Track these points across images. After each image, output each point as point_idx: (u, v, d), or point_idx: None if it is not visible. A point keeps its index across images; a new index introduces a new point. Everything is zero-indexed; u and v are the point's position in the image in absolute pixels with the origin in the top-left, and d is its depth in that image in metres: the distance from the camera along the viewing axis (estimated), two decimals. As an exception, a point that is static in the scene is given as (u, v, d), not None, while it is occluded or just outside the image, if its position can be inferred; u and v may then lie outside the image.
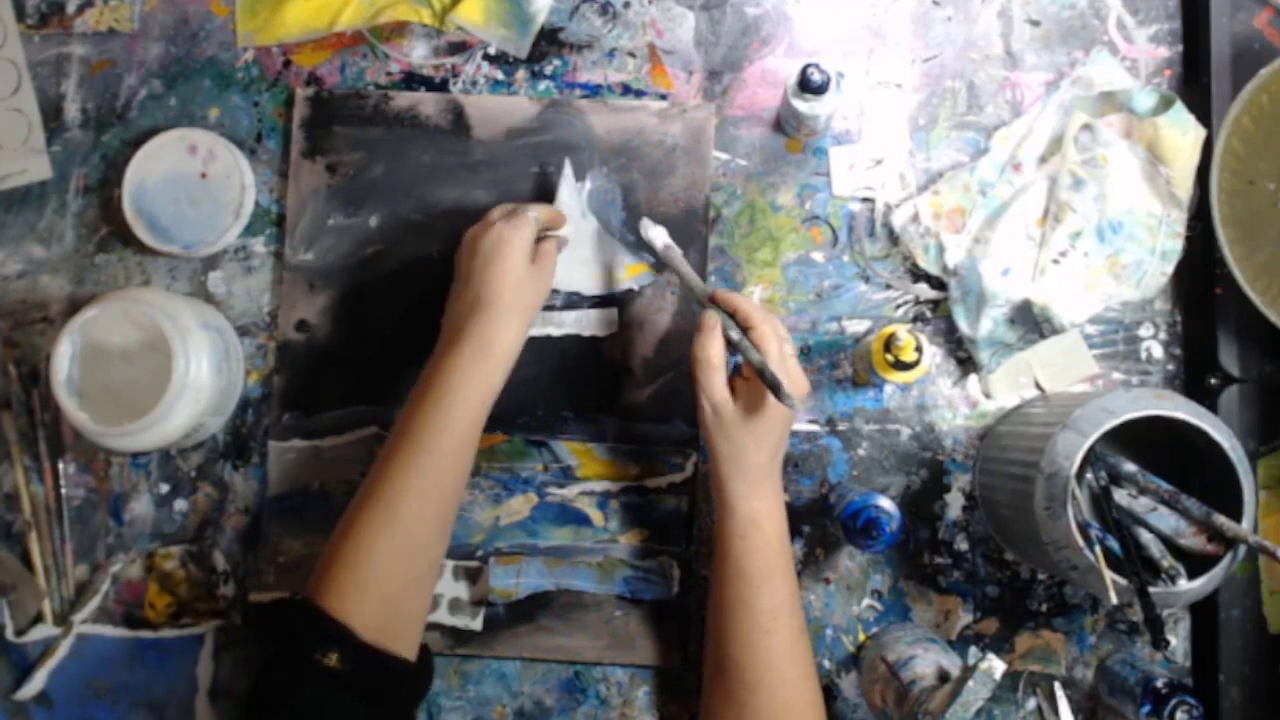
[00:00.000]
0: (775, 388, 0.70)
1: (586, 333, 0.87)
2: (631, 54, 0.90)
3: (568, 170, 0.88)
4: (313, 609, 0.70)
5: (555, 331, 0.87)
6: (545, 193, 0.88)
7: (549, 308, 0.87)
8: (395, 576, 0.72)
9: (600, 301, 0.87)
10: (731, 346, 0.74)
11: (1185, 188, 0.83)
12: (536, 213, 0.80)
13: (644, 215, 0.84)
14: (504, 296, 0.76)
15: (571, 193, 0.87)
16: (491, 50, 0.91)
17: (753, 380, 0.73)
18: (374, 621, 0.70)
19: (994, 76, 0.88)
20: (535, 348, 0.87)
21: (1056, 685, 0.84)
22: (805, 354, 0.87)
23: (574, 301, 0.87)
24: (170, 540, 0.89)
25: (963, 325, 0.85)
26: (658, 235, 0.82)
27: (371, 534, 0.72)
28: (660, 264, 0.85)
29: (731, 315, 0.75)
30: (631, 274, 0.87)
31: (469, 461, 0.76)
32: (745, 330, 0.74)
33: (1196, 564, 0.73)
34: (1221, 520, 0.72)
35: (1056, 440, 0.73)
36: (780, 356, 0.73)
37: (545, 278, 0.80)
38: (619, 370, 0.87)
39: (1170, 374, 0.86)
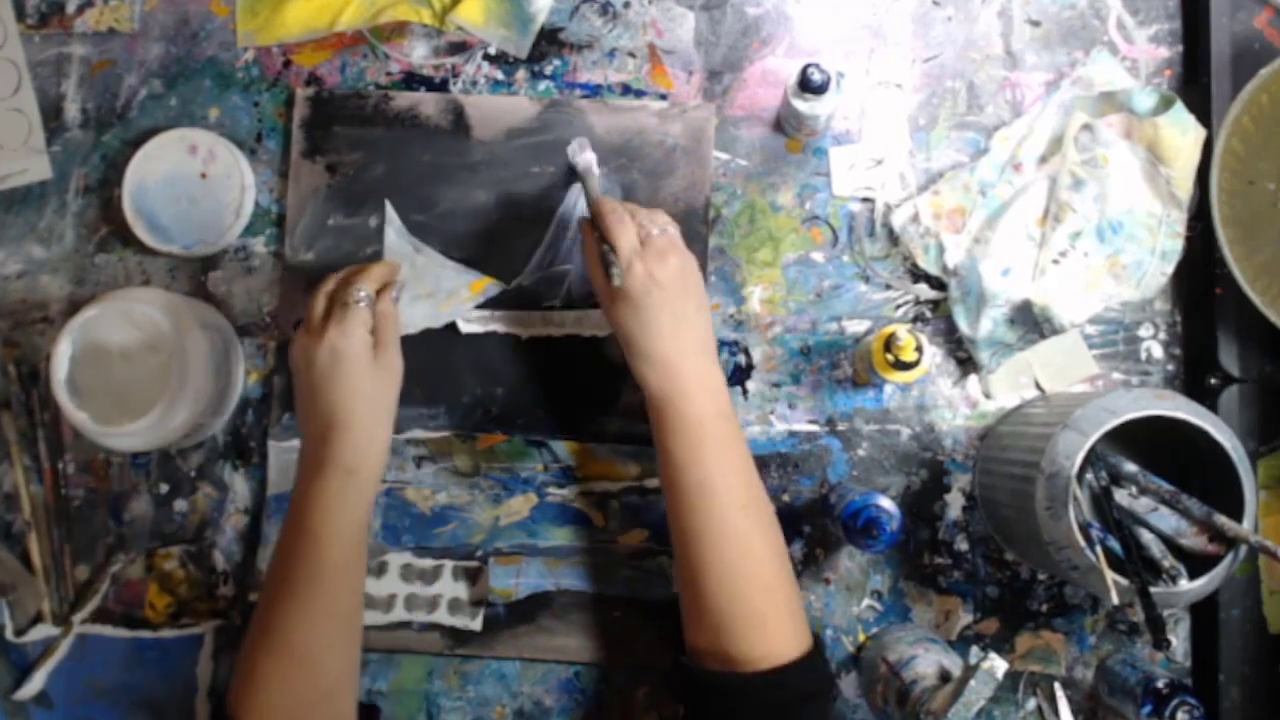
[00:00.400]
0: (606, 267, 0.75)
1: (586, 332, 0.87)
2: (631, 54, 0.90)
3: (586, 154, 0.85)
4: None
5: (555, 331, 0.87)
6: (569, 181, 0.88)
7: (549, 307, 0.87)
8: (307, 691, 0.71)
9: (595, 303, 0.87)
10: (599, 248, 0.77)
11: (1185, 188, 0.83)
12: (366, 292, 0.76)
13: (585, 151, 0.85)
14: (356, 414, 0.74)
15: (590, 169, 0.84)
16: (491, 50, 0.91)
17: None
18: None
19: (994, 76, 0.88)
20: (535, 347, 0.87)
21: (1056, 685, 0.84)
22: (805, 354, 0.87)
23: (574, 301, 0.87)
24: (170, 540, 0.88)
25: (963, 325, 0.85)
26: (585, 160, 0.84)
27: (264, 661, 0.71)
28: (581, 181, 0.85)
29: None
30: (476, 290, 0.87)
31: (359, 572, 0.74)
32: (599, 226, 0.77)
33: (1197, 564, 0.73)
34: (1222, 520, 0.72)
35: (1057, 440, 0.73)
36: (629, 238, 0.75)
37: (394, 363, 0.77)
38: (619, 370, 0.87)
39: (1170, 374, 0.86)
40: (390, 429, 0.77)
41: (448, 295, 0.87)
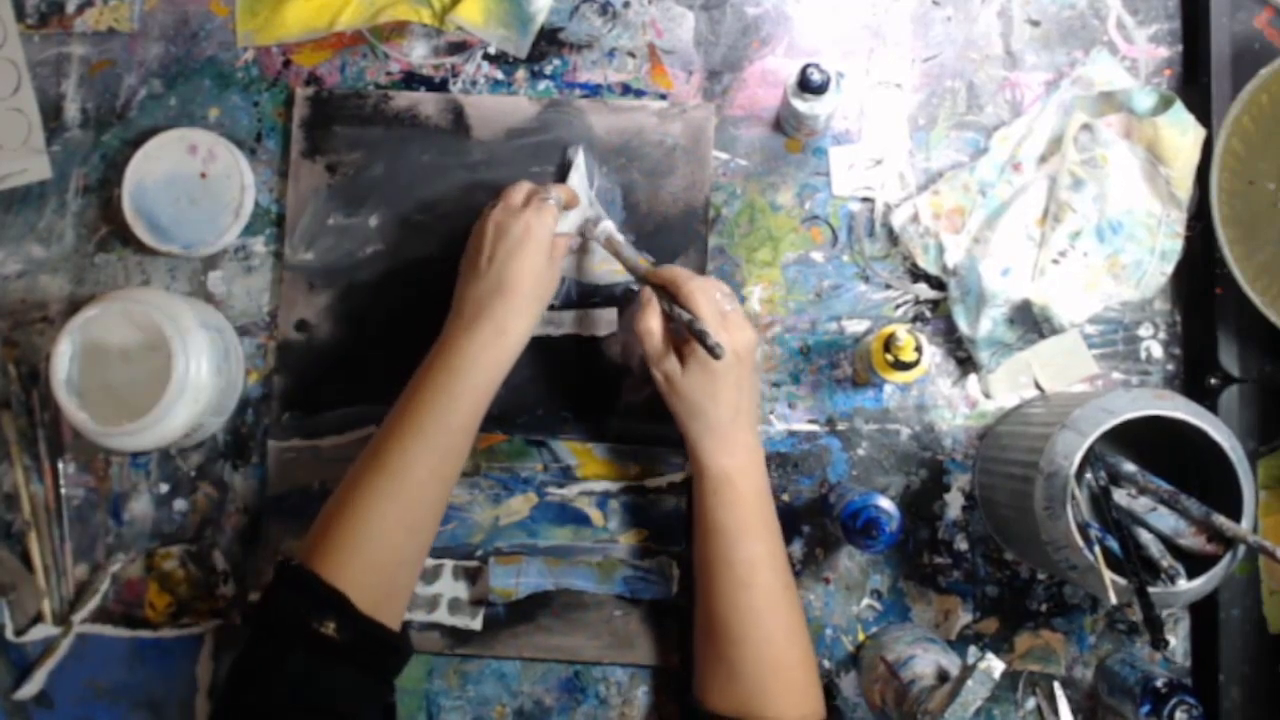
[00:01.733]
0: (702, 337, 0.72)
1: (586, 333, 0.87)
2: (631, 54, 0.90)
3: (579, 159, 0.88)
4: (309, 575, 0.70)
5: (555, 331, 0.87)
6: (563, 175, 0.88)
7: (549, 307, 0.87)
8: (393, 550, 0.73)
9: (600, 301, 0.87)
10: (669, 316, 0.76)
11: (1185, 188, 0.83)
12: (557, 195, 0.81)
13: (600, 222, 0.84)
14: (525, 285, 0.77)
15: (581, 181, 0.87)
16: (491, 50, 0.91)
17: (693, 340, 0.74)
18: (370, 594, 0.70)
19: (994, 76, 0.88)
20: (535, 347, 0.87)
21: (1056, 685, 0.84)
22: (805, 354, 0.87)
23: (573, 301, 0.87)
24: (170, 540, 0.89)
25: (962, 325, 0.85)
26: (605, 230, 0.83)
27: (374, 504, 0.72)
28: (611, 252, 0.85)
29: (665, 288, 0.77)
30: (623, 270, 0.87)
31: (469, 444, 0.77)
32: (677, 295, 0.76)
33: (1196, 564, 0.73)
34: (1221, 520, 0.72)
35: (1056, 440, 0.73)
36: (714, 311, 0.74)
37: (558, 274, 0.81)
38: (619, 370, 0.87)
39: (1170, 374, 0.86)
40: (537, 320, 0.79)
41: (602, 259, 0.87)
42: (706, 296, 0.75)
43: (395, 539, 0.73)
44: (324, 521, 0.73)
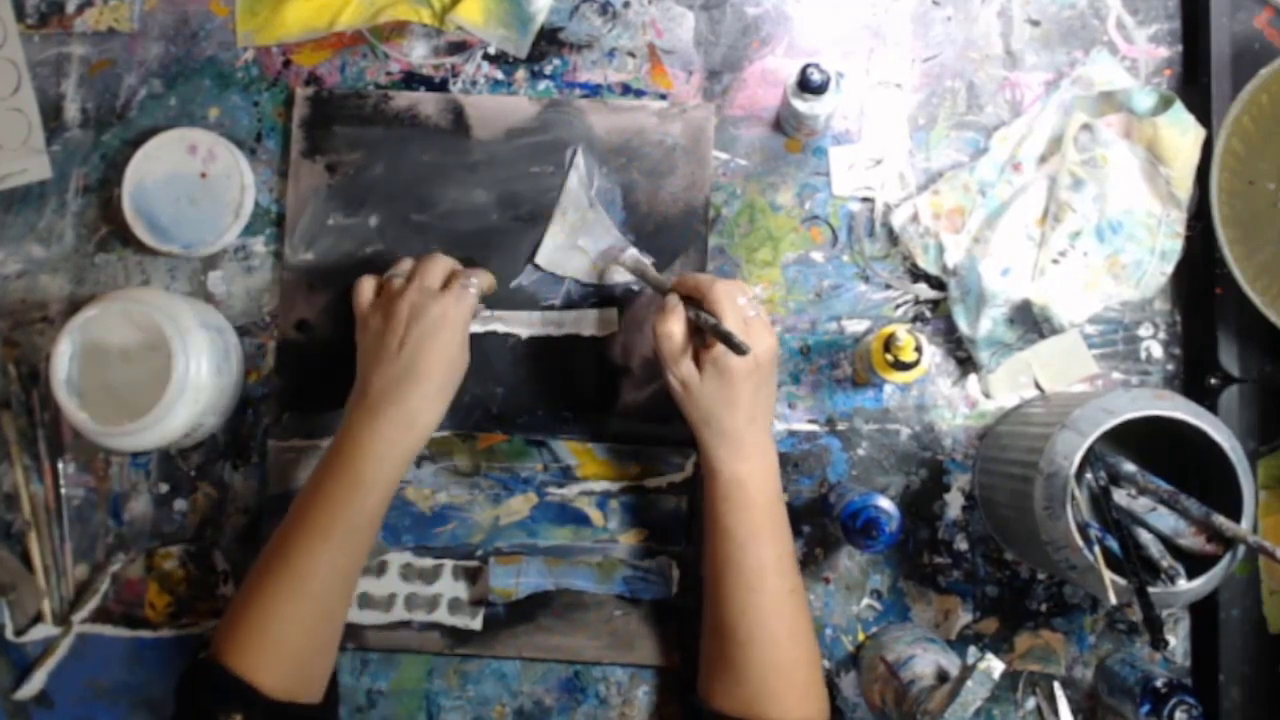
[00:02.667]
0: (727, 339, 0.72)
1: (586, 332, 0.87)
2: (631, 54, 0.90)
3: (579, 159, 0.88)
4: (217, 668, 0.71)
5: (555, 331, 0.87)
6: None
7: (548, 307, 0.87)
8: (304, 637, 0.74)
9: (600, 301, 0.87)
10: (692, 323, 0.76)
11: (1185, 188, 0.83)
12: (478, 284, 0.80)
13: (625, 250, 0.85)
14: (438, 374, 0.76)
15: (581, 181, 0.87)
16: (491, 50, 0.91)
17: (713, 345, 0.74)
18: (283, 683, 0.72)
19: (994, 76, 0.88)
20: (535, 348, 0.87)
21: (1056, 685, 0.84)
22: (805, 354, 0.87)
23: (574, 301, 0.87)
24: (170, 540, 0.89)
25: (962, 325, 0.85)
26: (630, 256, 0.84)
27: (280, 599, 0.73)
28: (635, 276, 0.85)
29: (690, 296, 0.76)
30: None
31: (377, 530, 0.77)
32: (701, 302, 0.75)
33: (1196, 564, 0.73)
34: (1221, 520, 0.72)
35: (1056, 440, 0.73)
36: (738, 316, 0.74)
37: (466, 360, 0.79)
38: (619, 370, 0.87)
39: (1170, 374, 0.86)
40: (449, 404, 0.78)
41: (602, 262, 0.87)
42: (731, 301, 0.74)
43: (305, 632, 0.73)
44: (232, 614, 0.74)
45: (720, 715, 0.75)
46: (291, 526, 0.75)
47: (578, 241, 0.87)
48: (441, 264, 0.80)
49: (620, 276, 0.87)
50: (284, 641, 0.73)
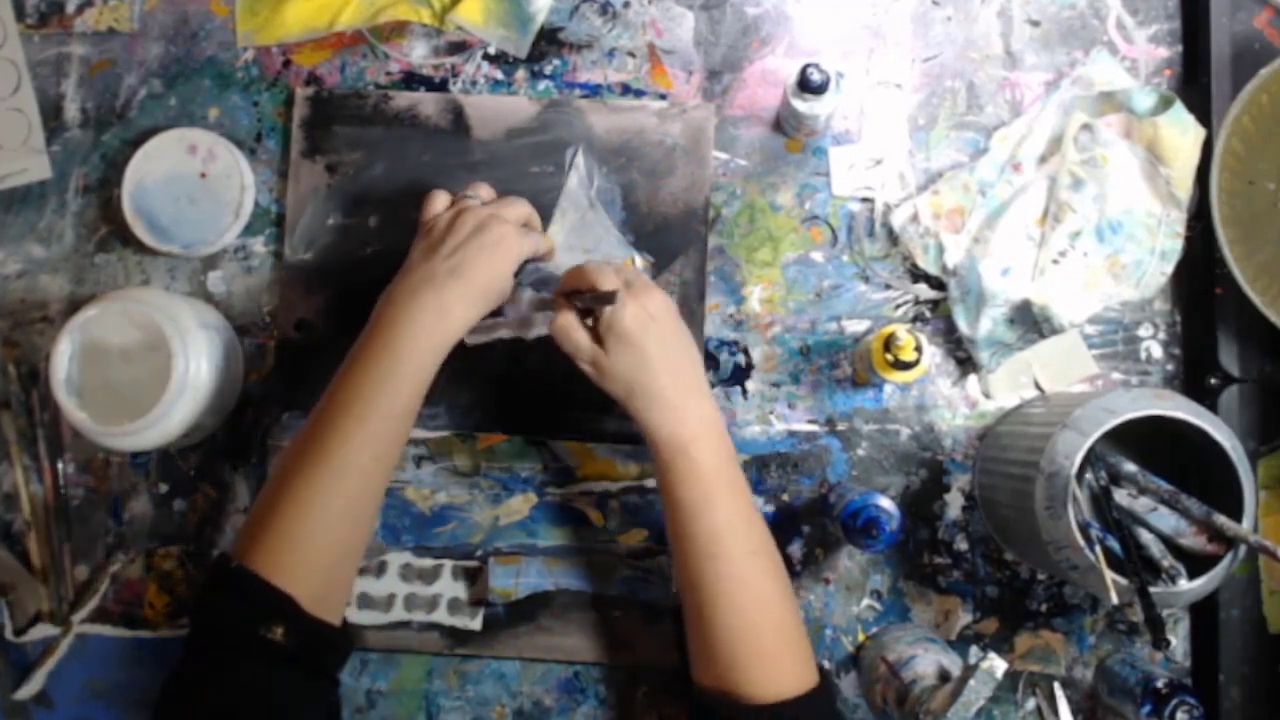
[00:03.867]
0: (596, 297, 0.72)
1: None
2: (631, 54, 0.90)
3: (579, 160, 0.88)
4: (252, 577, 0.67)
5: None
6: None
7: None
8: (336, 544, 0.70)
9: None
10: (584, 311, 0.75)
11: (1185, 188, 0.83)
12: (531, 245, 0.80)
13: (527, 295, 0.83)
14: (480, 283, 0.76)
15: (581, 181, 0.87)
16: (491, 50, 0.91)
17: (600, 316, 0.73)
18: (313, 591, 0.68)
19: (994, 76, 0.88)
20: (535, 347, 0.87)
21: (1056, 685, 0.84)
22: (805, 354, 0.87)
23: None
24: (170, 540, 0.89)
25: (962, 325, 0.85)
26: (526, 296, 0.83)
27: (315, 496, 0.69)
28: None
29: (575, 292, 0.76)
30: (627, 268, 0.87)
31: (409, 428, 0.75)
32: (578, 284, 0.75)
33: (1196, 564, 0.73)
34: (1221, 520, 0.72)
35: (1056, 440, 0.73)
36: (615, 281, 0.73)
37: (509, 286, 0.80)
38: (619, 370, 0.87)
39: (1170, 374, 0.86)
40: (477, 320, 0.77)
41: (604, 259, 0.87)
42: (599, 272, 0.74)
43: (339, 533, 0.70)
44: (261, 515, 0.69)
45: (702, 689, 0.73)
46: (324, 420, 0.71)
47: (577, 242, 0.87)
48: (521, 204, 0.81)
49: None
50: (318, 545, 0.69)
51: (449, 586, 0.86)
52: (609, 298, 0.72)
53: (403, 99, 0.90)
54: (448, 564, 0.86)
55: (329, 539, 0.70)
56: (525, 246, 0.79)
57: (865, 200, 0.88)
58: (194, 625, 0.68)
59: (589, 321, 0.76)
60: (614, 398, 0.75)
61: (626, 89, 0.90)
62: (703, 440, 0.74)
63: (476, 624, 0.85)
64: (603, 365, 0.74)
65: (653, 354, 0.73)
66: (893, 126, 0.88)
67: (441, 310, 0.74)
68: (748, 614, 0.71)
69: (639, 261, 0.87)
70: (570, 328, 0.75)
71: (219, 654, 0.66)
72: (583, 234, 0.87)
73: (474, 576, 0.86)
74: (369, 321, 0.76)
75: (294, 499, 0.69)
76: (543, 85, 0.90)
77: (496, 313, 0.85)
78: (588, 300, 0.74)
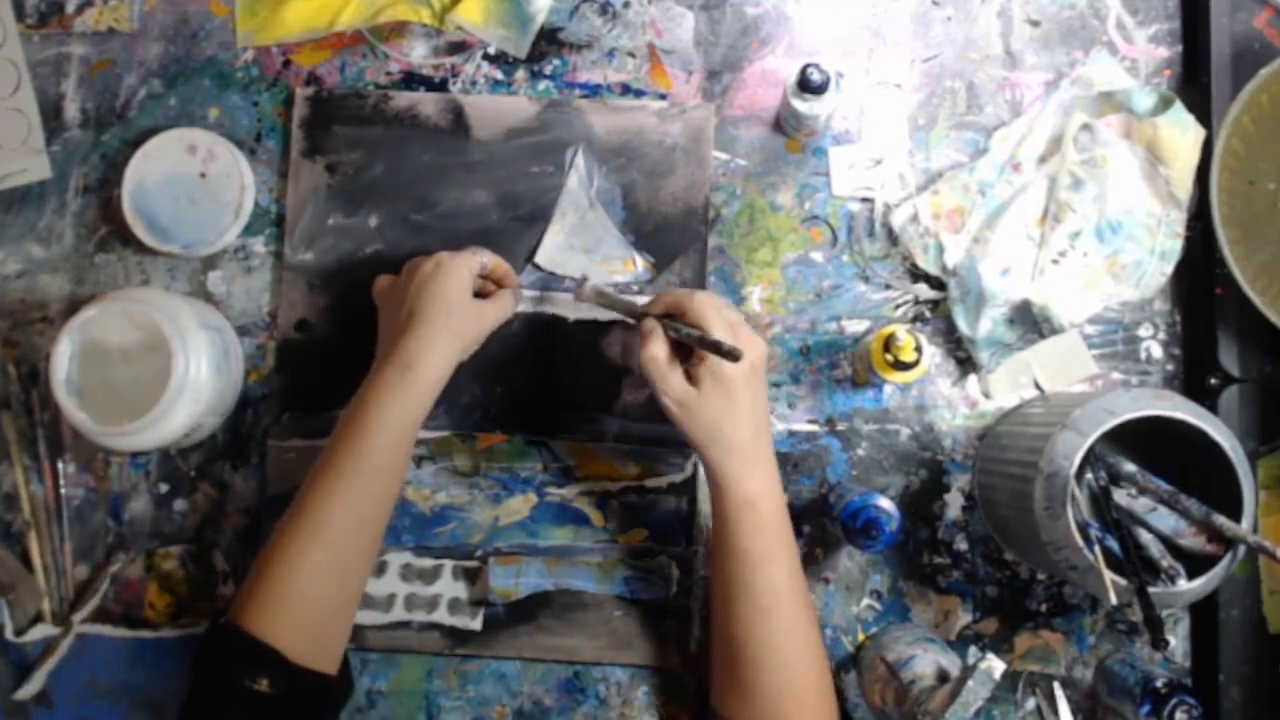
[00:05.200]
0: (717, 347, 0.70)
1: (604, 317, 0.87)
2: (631, 54, 0.90)
3: (579, 160, 0.88)
4: (239, 633, 0.70)
5: (602, 316, 0.87)
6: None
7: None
8: (323, 599, 0.73)
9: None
10: (675, 342, 0.75)
11: (1185, 188, 0.83)
12: (485, 258, 0.81)
13: (586, 282, 0.83)
14: (435, 319, 0.76)
15: (581, 181, 0.87)
16: (491, 50, 0.91)
17: (704, 359, 0.73)
18: (302, 644, 0.71)
19: (994, 76, 0.88)
20: (535, 347, 0.87)
21: (1056, 685, 0.84)
22: (805, 354, 0.87)
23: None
24: (170, 540, 0.89)
25: (962, 325, 0.85)
26: (590, 288, 0.82)
27: (299, 555, 0.72)
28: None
29: (668, 315, 0.75)
30: (627, 268, 0.87)
31: (396, 485, 0.76)
32: (681, 318, 0.75)
33: (1196, 564, 0.73)
34: (1221, 520, 0.72)
35: (1056, 440, 0.73)
36: (722, 323, 0.73)
37: (489, 312, 0.80)
38: (619, 370, 0.87)
39: (1170, 374, 0.86)
40: (457, 354, 0.77)
41: (603, 259, 0.87)
42: (715, 310, 0.73)
43: (324, 588, 0.73)
44: (253, 576, 0.73)
45: None
46: (309, 483, 0.74)
47: (577, 242, 0.87)
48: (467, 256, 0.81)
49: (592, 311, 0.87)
50: (304, 601, 0.71)
51: (449, 586, 0.86)
52: (730, 355, 0.70)
53: (403, 99, 0.90)
54: (448, 564, 0.86)
55: (314, 595, 0.72)
56: (462, 261, 0.78)
57: (865, 200, 0.88)
58: (191, 680, 0.71)
59: (675, 350, 0.75)
60: (688, 439, 0.75)
61: (626, 89, 0.90)
62: (769, 496, 0.74)
63: (476, 624, 0.85)
64: (690, 406, 0.73)
65: (745, 407, 0.73)
66: (893, 126, 0.88)
67: (405, 365, 0.75)
68: (795, 668, 0.74)
69: (639, 262, 0.87)
70: (662, 361, 0.74)
71: (210, 706, 0.70)
72: (582, 234, 0.87)
73: (474, 576, 0.86)
74: (351, 400, 0.77)
75: (280, 558, 0.72)
76: (543, 85, 0.90)
77: (543, 286, 0.86)
78: (696, 343, 0.73)
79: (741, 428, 0.73)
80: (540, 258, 0.87)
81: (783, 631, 0.74)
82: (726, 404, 0.73)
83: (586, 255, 0.87)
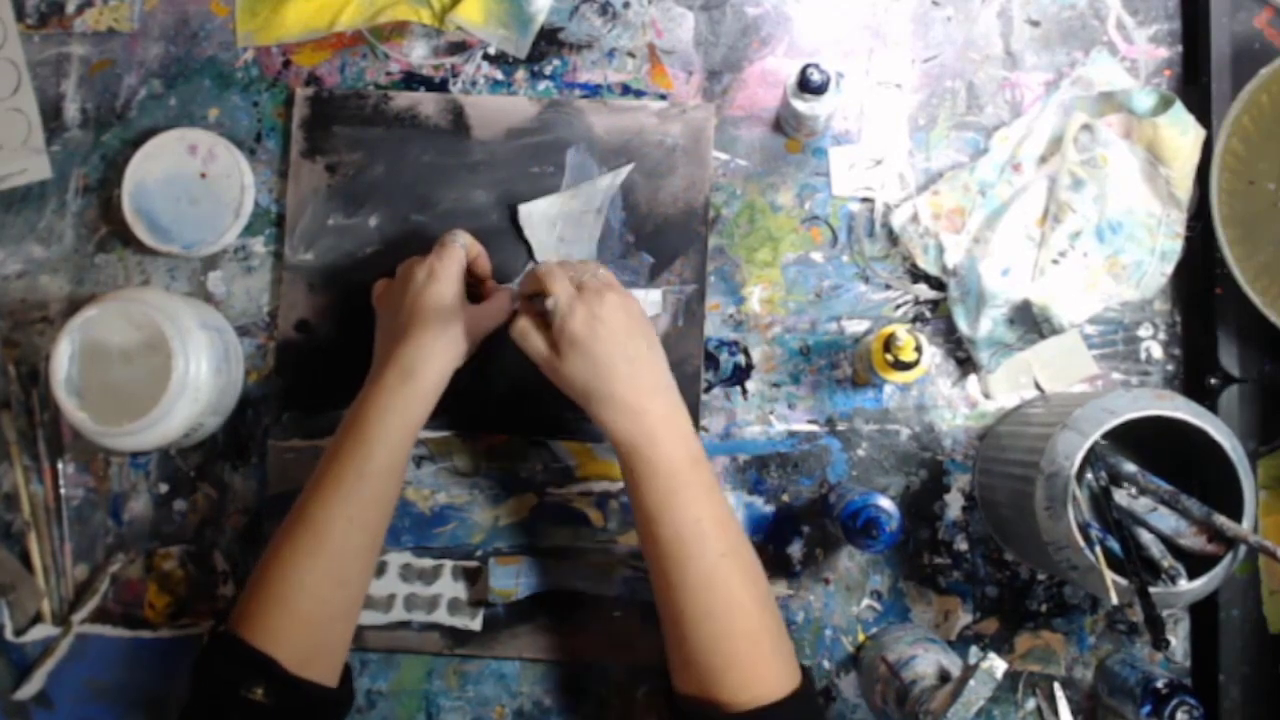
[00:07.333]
0: (542, 313, 0.73)
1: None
2: (631, 54, 0.90)
3: (612, 175, 0.88)
4: (236, 642, 0.70)
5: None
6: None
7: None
8: (321, 606, 0.73)
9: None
10: (540, 315, 0.76)
11: (1185, 188, 0.83)
12: (463, 239, 0.80)
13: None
14: (432, 326, 0.76)
15: (606, 190, 0.87)
16: (491, 50, 0.91)
17: (553, 323, 0.74)
18: (300, 653, 0.71)
19: (994, 76, 0.88)
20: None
21: (1056, 685, 0.84)
22: (805, 354, 0.87)
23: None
24: (170, 540, 0.88)
25: (962, 325, 0.85)
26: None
27: (298, 562, 0.72)
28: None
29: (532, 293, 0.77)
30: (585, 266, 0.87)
31: (395, 491, 0.77)
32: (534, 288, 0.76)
33: (1196, 564, 0.73)
34: (1221, 520, 0.72)
35: (1056, 440, 0.73)
36: (565, 286, 0.74)
37: (484, 317, 0.80)
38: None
39: (1170, 374, 0.86)
40: (454, 360, 0.78)
41: (565, 255, 0.87)
42: (554, 276, 0.75)
43: (322, 594, 0.73)
44: (251, 585, 0.73)
45: (681, 697, 0.72)
46: (308, 490, 0.75)
47: (567, 231, 0.87)
48: (453, 253, 0.81)
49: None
50: (300, 607, 0.71)
51: (449, 587, 0.86)
52: (547, 311, 0.73)
53: (403, 99, 0.90)
54: (448, 564, 0.86)
55: (313, 602, 0.72)
56: (450, 259, 0.79)
57: (865, 200, 0.88)
58: (190, 688, 0.71)
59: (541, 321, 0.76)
60: (573, 401, 0.75)
61: (626, 89, 0.90)
62: (661, 441, 0.73)
63: (476, 624, 0.85)
64: (557, 369, 0.75)
65: (602, 357, 0.73)
66: (893, 127, 0.88)
67: (404, 373, 0.76)
68: (719, 619, 0.70)
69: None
70: (526, 331, 0.76)
71: (207, 715, 0.70)
72: (575, 227, 0.87)
73: (474, 576, 0.86)
74: (349, 408, 0.77)
75: (278, 566, 0.73)
76: (543, 85, 0.90)
77: None
78: (538, 304, 0.75)
79: (608, 379, 0.73)
80: (523, 208, 0.87)
81: (697, 582, 0.70)
82: (583, 359, 0.73)
83: (559, 241, 0.87)
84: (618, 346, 0.73)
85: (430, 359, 0.76)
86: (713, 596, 0.70)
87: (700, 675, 0.70)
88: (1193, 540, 0.74)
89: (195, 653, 0.74)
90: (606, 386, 0.73)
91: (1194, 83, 0.86)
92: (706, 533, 0.71)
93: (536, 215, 0.87)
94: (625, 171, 0.87)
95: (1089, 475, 0.76)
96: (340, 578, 0.74)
